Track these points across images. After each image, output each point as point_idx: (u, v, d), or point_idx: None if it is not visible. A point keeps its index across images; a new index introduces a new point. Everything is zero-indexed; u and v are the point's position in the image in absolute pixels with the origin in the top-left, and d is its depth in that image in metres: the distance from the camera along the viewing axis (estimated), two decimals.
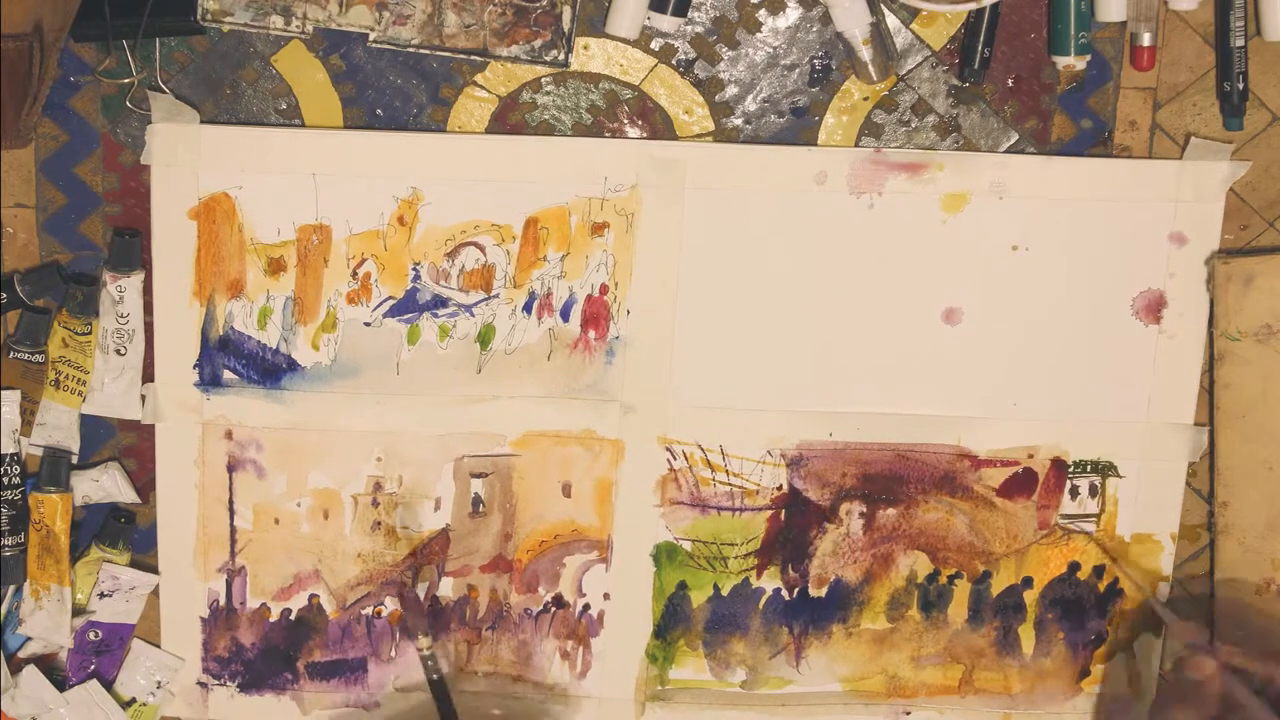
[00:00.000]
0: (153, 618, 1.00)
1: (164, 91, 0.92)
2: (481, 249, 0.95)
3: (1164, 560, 1.02)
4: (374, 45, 0.92)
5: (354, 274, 0.95)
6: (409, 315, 0.96)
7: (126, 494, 0.98)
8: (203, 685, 1.02)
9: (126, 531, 0.99)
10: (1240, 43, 0.93)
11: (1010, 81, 0.95)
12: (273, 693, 1.03)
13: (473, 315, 0.96)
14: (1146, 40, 0.93)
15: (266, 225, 0.94)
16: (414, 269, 0.95)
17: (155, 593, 1.00)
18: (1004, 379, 0.98)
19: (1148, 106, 0.96)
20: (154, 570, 0.99)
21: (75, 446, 0.97)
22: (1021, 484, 1.00)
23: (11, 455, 0.95)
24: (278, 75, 0.93)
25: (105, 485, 0.97)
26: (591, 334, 0.97)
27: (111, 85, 0.93)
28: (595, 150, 0.94)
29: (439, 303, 0.96)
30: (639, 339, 0.97)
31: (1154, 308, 0.97)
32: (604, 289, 0.96)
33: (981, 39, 0.93)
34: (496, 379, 0.97)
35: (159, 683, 1.00)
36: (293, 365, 0.96)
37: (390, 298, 0.96)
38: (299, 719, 1.03)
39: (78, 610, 0.98)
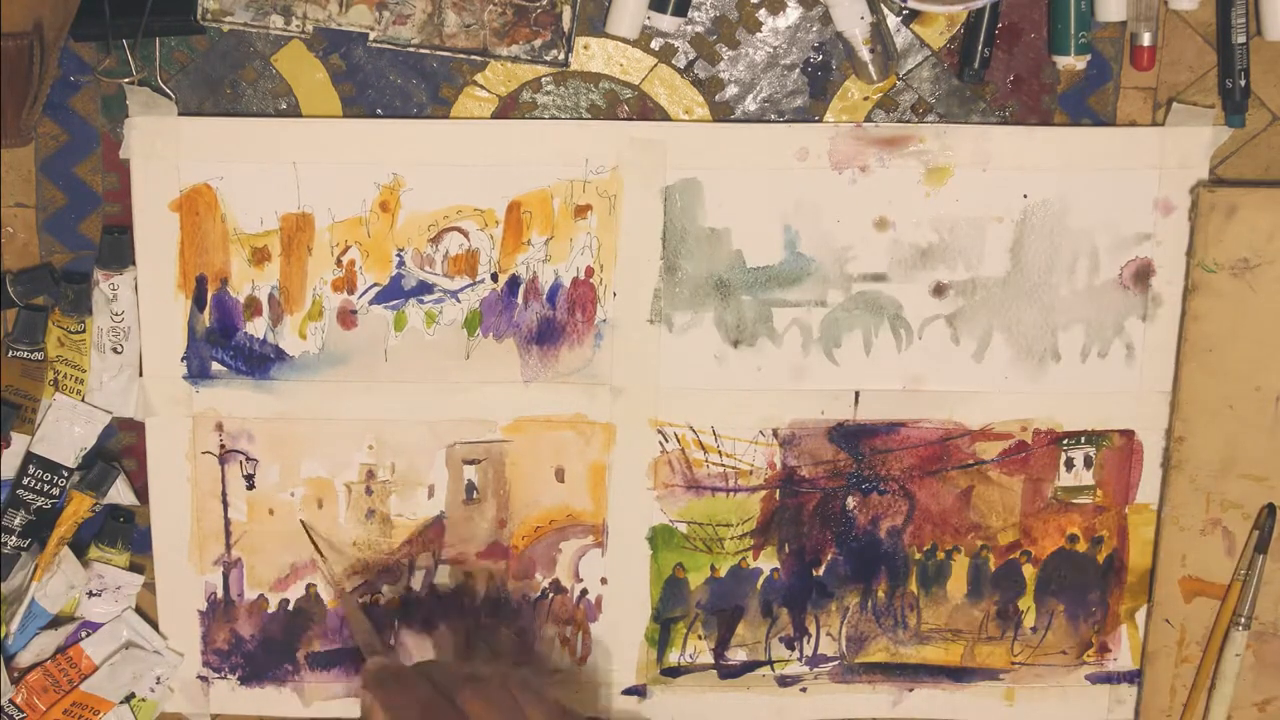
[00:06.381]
0: (153, 612, 1.01)
1: (167, 92, 0.93)
2: (465, 234, 0.95)
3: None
4: (374, 45, 0.92)
5: (338, 261, 0.96)
6: (395, 302, 0.96)
7: (125, 495, 0.98)
8: (203, 679, 1.02)
9: (126, 531, 0.99)
10: (1242, 40, 0.93)
11: (1010, 81, 0.95)
12: (274, 684, 1.03)
13: (459, 301, 0.96)
14: (1146, 40, 0.93)
15: (249, 215, 0.94)
16: (398, 255, 0.96)
17: (153, 589, 1.00)
18: (994, 352, 0.98)
19: (1148, 106, 0.96)
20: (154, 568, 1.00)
21: None
22: (1016, 457, 1.00)
23: (67, 470, 0.96)
24: (278, 75, 0.94)
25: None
26: (578, 317, 0.97)
27: (111, 85, 0.93)
28: (575, 132, 0.94)
29: (424, 289, 0.96)
30: (626, 321, 0.97)
31: (1142, 276, 0.97)
32: (589, 271, 0.96)
33: (981, 39, 0.93)
34: (485, 364, 0.97)
35: (158, 678, 1.00)
36: (281, 355, 0.97)
37: (376, 284, 0.96)
38: (301, 710, 1.03)
39: (68, 617, 0.99)
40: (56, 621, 0.98)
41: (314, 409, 0.98)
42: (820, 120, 0.95)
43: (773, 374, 0.98)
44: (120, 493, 0.98)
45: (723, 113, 0.95)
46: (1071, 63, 0.93)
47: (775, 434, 0.99)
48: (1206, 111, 0.95)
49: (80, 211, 0.95)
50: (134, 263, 0.95)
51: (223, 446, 0.98)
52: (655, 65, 0.95)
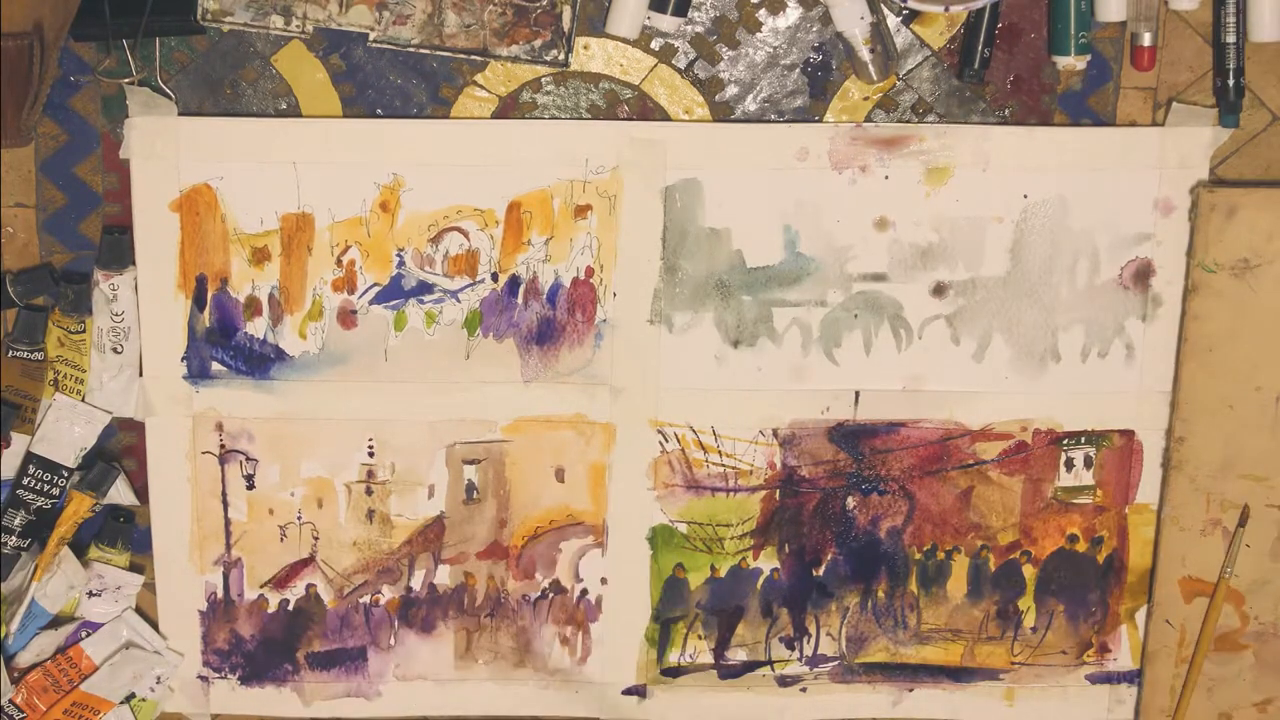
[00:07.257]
0: (153, 612, 1.01)
1: (167, 92, 0.93)
2: (465, 234, 0.95)
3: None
4: (374, 45, 0.92)
5: (339, 261, 0.95)
6: (395, 302, 0.96)
7: (125, 495, 0.98)
8: (203, 679, 1.02)
9: (126, 531, 0.99)
10: (1231, 39, 0.93)
11: (1010, 81, 0.95)
12: (274, 684, 1.03)
13: (459, 301, 0.96)
14: (1146, 40, 0.93)
15: (249, 215, 0.94)
16: (398, 255, 0.96)
17: (153, 589, 1.00)
18: (994, 352, 0.98)
19: (1148, 106, 0.96)
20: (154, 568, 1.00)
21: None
22: (1016, 457, 1.00)
23: (67, 470, 0.96)
24: (278, 75, 0.94)
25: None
26: (579, 317, 0.97)
27: (111, 85, 0.93)
28: (575, 132, 0.94)
29: (424, 289, 0.96)
30: (626, 321, 0.97)
31: (1142, 276, 0.97)
32: (589, 271, 0.96)
33: (981, 39, 0.93)
34: (485, 364, 0.97)
35: (158, 678, 1.00)
36: (281, 355, 0.97)
37: (376, 284, 0.96)
38: (301, 710, 1.03)
39: (68, 617, 0.99)
40: (56, 621, 0.98)
41: (314, 409, 0.98)
42: (820, 120, 0.95)
43: (773, 374, 0.98)
44: (120, 493, 0.98)
45: (723, 113, 0.95)
46: (1071, 63, 0.93)
47: (775, 434, 0.99)
48: (1206, 111, 0.95)
49: (80, 211, 0.95)
50: (134, 263, 0.95)
51: (223, 446, 0.98)
52: (655, 65, 0.95)
